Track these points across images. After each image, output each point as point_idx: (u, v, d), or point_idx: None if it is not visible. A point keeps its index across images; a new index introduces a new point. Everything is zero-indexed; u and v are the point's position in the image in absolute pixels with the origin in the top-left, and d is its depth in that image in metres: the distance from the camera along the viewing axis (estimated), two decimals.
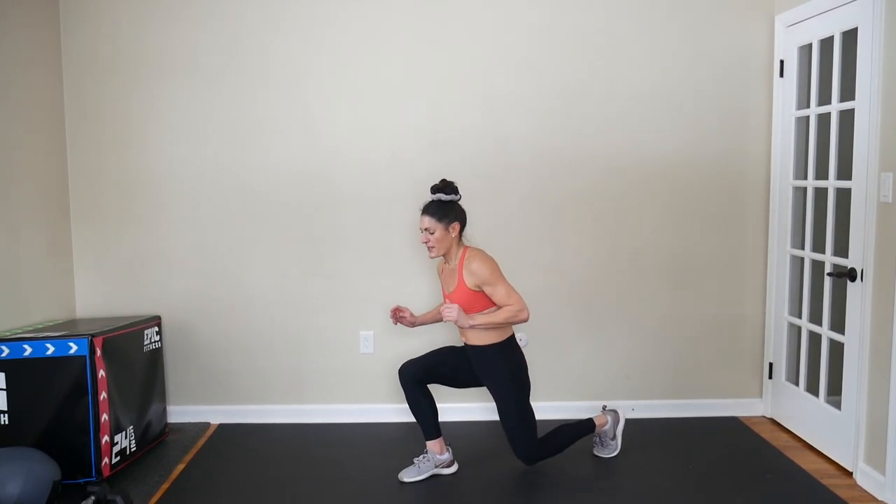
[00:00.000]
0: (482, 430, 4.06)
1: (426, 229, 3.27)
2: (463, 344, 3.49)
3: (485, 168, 4.12)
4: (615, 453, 3.68)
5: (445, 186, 3.32)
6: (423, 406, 3.44)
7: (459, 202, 3.37)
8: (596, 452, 3.70)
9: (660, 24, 4.10)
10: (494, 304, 3.28)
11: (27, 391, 3.30)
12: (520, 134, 4.12)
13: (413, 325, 3.54)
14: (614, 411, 3.73)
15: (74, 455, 3.33)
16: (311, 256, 4.17)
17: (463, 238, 3.38)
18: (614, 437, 3.68)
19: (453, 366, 3.48)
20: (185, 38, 4.06)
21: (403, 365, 3.47)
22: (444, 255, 3.36)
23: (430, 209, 3.29)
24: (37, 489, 2.98)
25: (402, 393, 4.21)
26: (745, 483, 3.38)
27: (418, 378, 3.42)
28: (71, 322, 3.83)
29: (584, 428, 3.57)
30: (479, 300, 3.28)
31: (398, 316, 3.50)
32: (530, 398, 3.44)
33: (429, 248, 3.31)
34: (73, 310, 4.15)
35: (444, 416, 4.16)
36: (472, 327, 3.22)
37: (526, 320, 3.25)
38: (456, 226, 3.30)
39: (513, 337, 3.42)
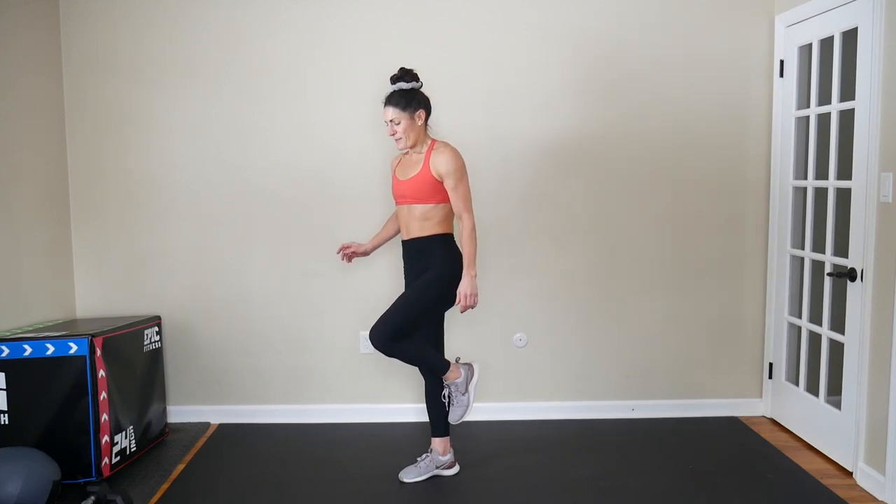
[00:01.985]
0: (482, 430, 4.06)
1: (391, 121, 3.18)
2: (405, 242, 3.36)
3: (485, 167, 4.12)
4: (466, 412, 3.35)
5: (405, 74, 3.21)
6: (438, 401, 3.43)
7: (421, 89, 3.27)
8: (450, 419, 3.38)
9: (660, 23, 4.10)
10: (441, 196, 3.21)
11: (27, 391, 3.30)
12: (520, 133, 4.12)
13: (367, 253, 3.56)
14: (469, 365, 3.43)
15: (74, 455, 3.33)
16: (311, 256, 4.17)
17: (429, 128, 3.30)
18: (466, 392, 3.36)
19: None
20: (185, 37, 4.06)
21: (371, 328, 3.29)
22: (412, 147, 3.26)
23: (393, 99, 3.18)
24: (37, 489, 2.98)
25: (402, 393, 4.23)
26: (745, 483, 3.38)
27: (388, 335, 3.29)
28: (71, 322, 3.83)
29: (438, 361, 3.32)
30: (438, 189, 3.20)
31: (348, 253, 3.52)
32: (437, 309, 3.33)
33: (396, 139, 3.22)
34: (73, 310, 4.15)
35: None
36: (474, 273, 3.20)
37: (473, 224, 3.22)
38: (421, 113, 3.21)
39: (452, 235, 3.32)
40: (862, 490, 3.31)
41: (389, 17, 4.07)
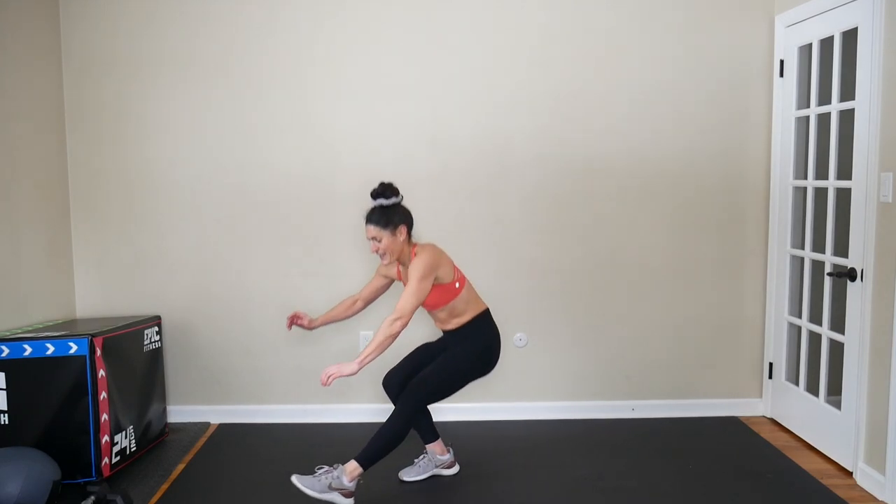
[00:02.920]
0: (482, 431, 4.06)
1: (373, 238, 3.16)
2: (441, 334, 3.43)
3: (485, 168, 4.12)
4: (306, 490, 3.06)
5: (385, 190, 3.18)
6: (422, 417, 3.44)
7: (402, 203, 3.24)
8: (301, 480, 3.08)
9: (660, 24, 4.10)
10: (452, 293, 3.21)
11: (27, 391, 3.30)
12: (520, 134, 4.12)
13: (310, 328, 3.47)
14: (353, 495, 3.13)
15: (74, 455, 3.33)
16: (311, 256, 4.17)
17: (412, 237, 3.28)
18: (325, 490, 3.07)
19: (433, 360, 3.41)
20: (185, 37, 4.06)
21: (386, 376, 3.43)
22: (397, 261, 3.27)
23: (374, 217, 3.15)
24: (37, 489, 2.98)
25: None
26: (745, 483, 3.38)
27: (404, 385, 3.36)
28: (71, 322, 3.83)
29: (379, 454, 3.15)
30: (438, 291, 3.20)
31: (295, 321, 3.45)
32: (479, 377, 3.31)
33: (380, 255, 3.20)
34: (73, 310, 4.15)
35: (444, 416, 4.17)
36: (360, 367, 3.01)
37: (398, 332, 3.04)
38: (402, 229, 3.17)
39: (487, 312, 3.35)
40: (862, 490, 3.31)
41: (389, 16, 4.07)
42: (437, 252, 3.21)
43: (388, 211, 3.16)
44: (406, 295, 3.08)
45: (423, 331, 4.07)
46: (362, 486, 3.22)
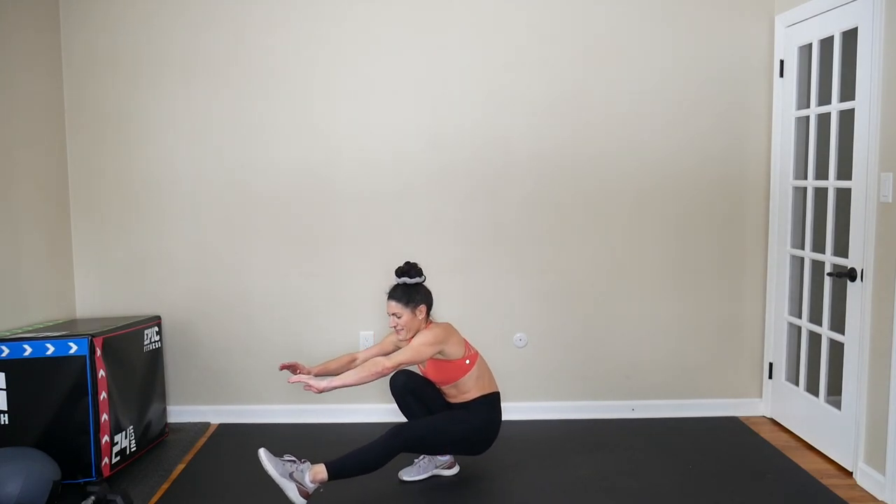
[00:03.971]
0: None
1: (394, 314, 3.27)
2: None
3: (485, 168, 4.12)
4: (272, 471, 3.03)
5: (410, 269, 3.30)
6: (416, 412, 3.44)
7: (424, 283, 3.34)
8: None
9: (660, 24, 4.10)
10: (461, 370, 3.28)
11: (27, 391, 3.30)
12: (520, 134, 4.12)
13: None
14: (308, 496, 3.06)
15: (74, 455, 3.32)
16: (311, 256, 4.17)
17: (431, 317, 3.37)
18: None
19: (438, 396, 3.45)
20: (186, 37, 4.06)
21: (394, 375, 3.45)
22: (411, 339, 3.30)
23: (396, 294, 3.27)
24: (37, 489, 2.98)
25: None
26: (745, 483, 3.38)
27: (410, 388, 3.40)
28: (71, 322, 3.83)
29: (345, 470, 3.11)
30: (452, 367, 3.28)
31: (293, 370, 3.37)
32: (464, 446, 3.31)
33: (397, 331, 3.30)
34: (73, 310, 4.15)
35: None
36: (328, 390, 3.01)
37: (379, 375, 3.06)
38: (423, 308, 3.29)
39: (496, 396, 3.38)
40: (862, 490, 3.31)
41: (389, 17, 4.07)
42: (448, 328, 3.31)
43: (411, 290, 3.28)
44: (405, 349, 3.19)
45: None
46: (321, 493, 3.17)
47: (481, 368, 3.37)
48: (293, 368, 3.40)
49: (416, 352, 3.18)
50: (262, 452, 3.03)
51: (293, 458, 3.10)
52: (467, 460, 3.63)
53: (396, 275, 3.32)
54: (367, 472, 3.15)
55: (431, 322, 3.36)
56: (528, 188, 4.15)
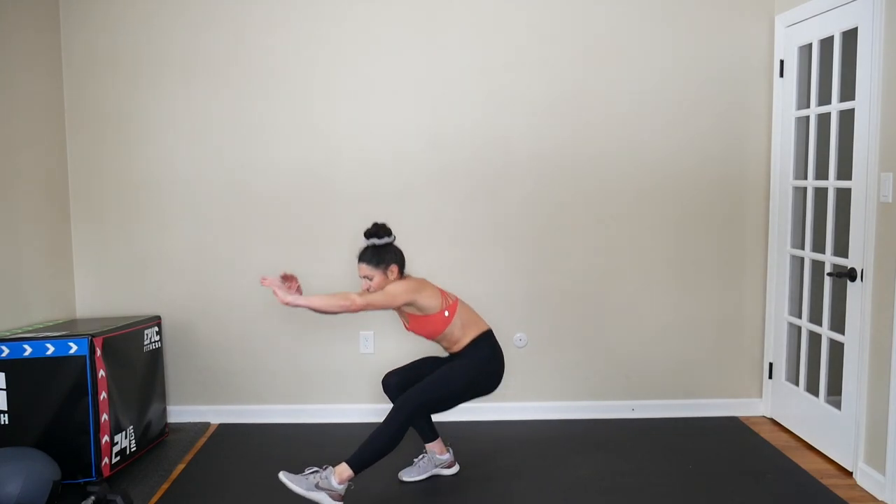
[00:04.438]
0: (482, 431, 4.06)
1: (365, 276, 3.25)
2: (447, 355, 3.46)
3: (485, 168, 4.12)
4: (294, 487, 3.06)
5: (378, 230, 3.28)
6: (422, 417, 3.44)
7: (394, 243, 3.32)
8: (289, 478, 3.10)
9: (660, 24, 4.10)
10: (442, 322, 3.27)
11: (27, 391, 3.30)
12: (520, 134, 4.12)
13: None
14: (341, 496, 3.11)
15: (74, 455, 3.33)
16: (310, 256, 4.17)
17: (404, 275, 3.34)
18: (313, 489, 3.06)
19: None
20: (186, 37, 4.06)
21: (386, 375, 3.45)
22: None
23: (366, 256, 3.25)
24: (37, 489, 2.98)
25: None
26: (745, 483, 3.38)
27: (403, 386, 3.38)
28: (71, 322, 3.83)
29: (363, 461, 3.14)
30: (433, 320, 3.27)
31: (284, 281, 3.28)
32: (467, 395, 3.29)
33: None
34: (73, 310, 4.15)
35: (444, 416, 4.16)
36: (292, 305, 3.06)
37: (343, 308, 3.08)
38: (394, 268, 3.26)
39: (489, 333, 3.36)
40: (862, 490, 3.31)
41: (389, 17, 4.07)
42: (421, 281, 3.29)
43: (381, 250, 3.25)
44: (378, 293, 3.18)
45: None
46: (352, 489, 3.20)
47: (464, 316, 3.32)
48: (284, 280, 3.31)
49: (389, 296, 3.16)
50: (283, 475, 3.07)
51: (314, 469, 3.13)
52: (467, 460, 3.63)
53: (365, 237, 3.28)
54: (388, 453, 3.17)
55: (404, 278, 3.32)
56: (528, 188, 4.15)
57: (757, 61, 4.12)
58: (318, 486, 3.05)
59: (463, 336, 3.32)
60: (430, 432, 3.49)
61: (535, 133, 4.12)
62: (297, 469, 3.34)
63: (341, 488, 3.07)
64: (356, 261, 3.33)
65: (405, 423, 3.15)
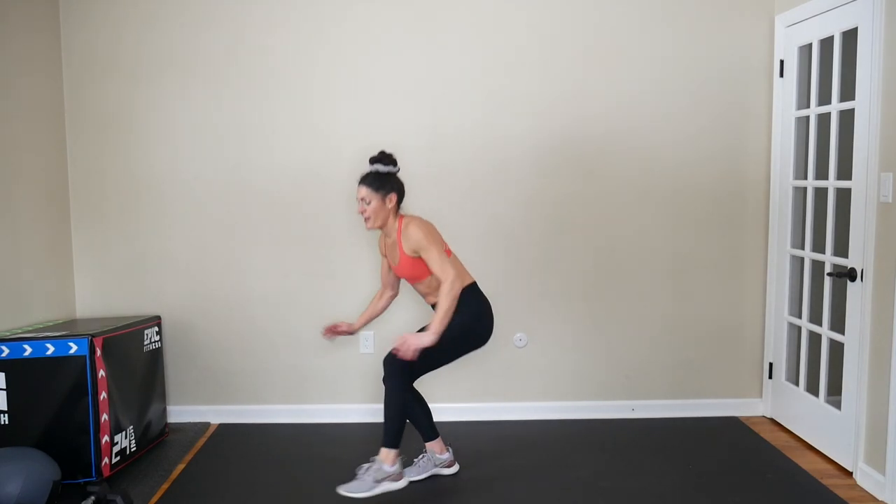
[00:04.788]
0: (482, 430, 4.06)
1: (362, 199, 3.22)
2: (432, 308, 3.41)
3: (485, 167, 4.12)
4: (358, 495, 3.13)
5: (384, 157, 3.26)
6: (415, 410, 3.43)
7: (398, 174, 3.31)
8: (342, 489, 3.14)
9: (659, 24, 4.10)
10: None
11: (27, 391, 3.30)
12: (520, 134, 4.12)
13: (353, 331, 3.48)
14: (401, 473, 3.24)
15: (74, 455, 3.33)
16: (311, 256, 4.17)
17: (401, 209, 3.32)
18: (377, 481, 3.15)
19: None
20: (186, 38, 4.06)
21: (386, 357, 3.34)
22: (381, 228, 3.29)
23: (368, 179, 3.23)
24: (37, 489, 2.98)
25: None
26: (745, 483, 3.38)
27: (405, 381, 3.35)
28: (71, 322, 3.83)
29: (394, 434, 3.21)
30: (423, 267, 3.23)
31: (336, 331, 3.45)
32: (469, 350, 3.30)
33: (365, 218, 3.25)
34: (73, 310, 4.15)
35: (442, 416, 4.17)
36: (434, 338, 3.07)
37: (458, 292, 3.13)
38: (393, 196, 3.24)
39: (474, 285, 3.33)
40: (862, 490, 3.31)
41: (389, 17, 4.07)
42: (430, 224, 3.26)
43: (383, 177, 3.24)
44: (435, 267, 3.15)
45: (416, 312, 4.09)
46: (405, 460, 3.35)
47: (454, 263, 3.31)
48: (334, 329, 3.45)
49: (439, 255, 3.15)
50: (343, 489, 3.12)
51: (363, 467, 3.22)
52: (467, 460, 3.63)
53: (370, 162, 3.26)
54: (408, 414, 3.31)
55: (402, 216, 3.28)
56: (527, 188, 4.15)
57: (757, 61, 4.13)
58: (377, 481, 3.16)
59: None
60: (431, 431, 3.49)
61: (534, 133, 4.12)
62: (302, 468, 3.34)
63: (395, 469, 3.20)
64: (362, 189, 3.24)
65: (402, 387, 3.18)
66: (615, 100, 4.12)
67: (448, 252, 3.30)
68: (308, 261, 4.18)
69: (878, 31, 3.21)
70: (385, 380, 3.22)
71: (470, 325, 3.28)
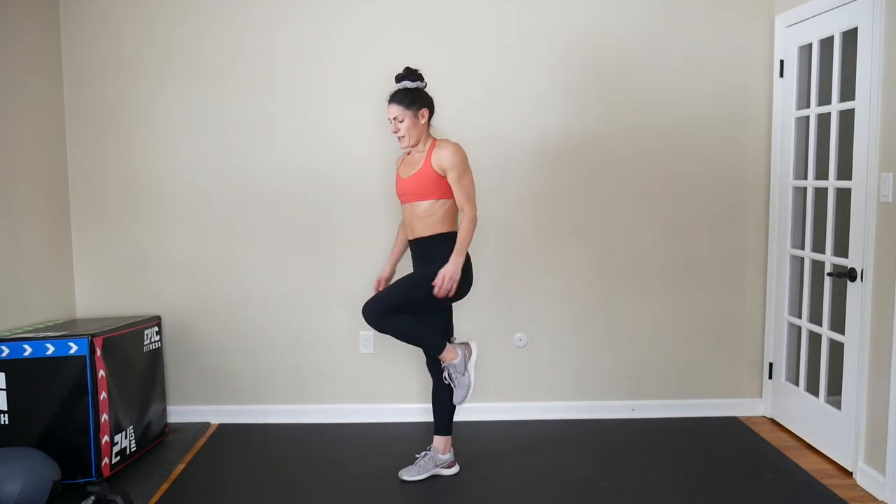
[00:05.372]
0: (482, 430, 4.06)
1: (395, 118, 3.20)
2: (411, 242, 3.37)
3: (485, 167, 4.12)
4: (468, 393, 3.33)
5: (410, 73, 3.23)
6: (445, 399, 3.44)
7: (425, 89, 3.29)
8: (455, 401, 3.37)
9: (659, 23, 4.10)
10: (446, 192, 3.22)
11: (27, 391, 3.30)
12: (520, 134, 4.12)
13: (391, 277, 3.55)
14: (465, 344, 3.40)
15: (74, 455, 3.33)
16: (311, 256, 4.17)
17: (432, 128, 3.32)
18: (464, 372, 3.34)
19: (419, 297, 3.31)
20: (186, 37, 4.06)
21: (366, 312, 3.27)
22: (414, 147, 3.27)
23: (398, 97, 3.21)
24: (37, 489, 2.98)
25: (402, 393, 4.23)
26: (745, 483, 3.38)
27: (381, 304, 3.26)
28: (71, 322, 3.83)
29: (432, 340, 3.27)
30: (440, 184, 3.21)
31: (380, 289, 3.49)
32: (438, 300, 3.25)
33: (399, 137, 3.22)
34: (73, 310, 4.15)
35: None
36: (461, 258, 3.16)
37: (476, 219, 3.23)
38: (425, 112, 3.23)
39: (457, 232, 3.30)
40: (862, 490, 3.31)
41: (392, 16, 4.07)
42: (460, 147, 3.24)
43: (412, 93, 3.23)
44: (463, 194, 3.19)
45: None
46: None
47: (454, 208, 3.29)
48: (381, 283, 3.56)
49: (468, 183, 3.20)
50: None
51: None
52: (467, 460, 3.63)
53: (396, 80, 3.24)
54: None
55: (435, 140, 3.26)
56: (527, 188, 4.15)
57: (757, 61, 4.12)
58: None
59: (441, 221, 3.25)
60: (446, 426, 3.47)
61: (534, 133, 4.12)
62: (302, 468, 3.34)
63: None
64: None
65: (406, 323, 3.21)
66: (614, 100, 4.12)
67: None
68: (308, 261, 4.18)
69: (878, 31, 3.21)
70: (381, 328, 3.19)
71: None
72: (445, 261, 3.22)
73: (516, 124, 4.12)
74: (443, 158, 3.19)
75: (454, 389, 3.37)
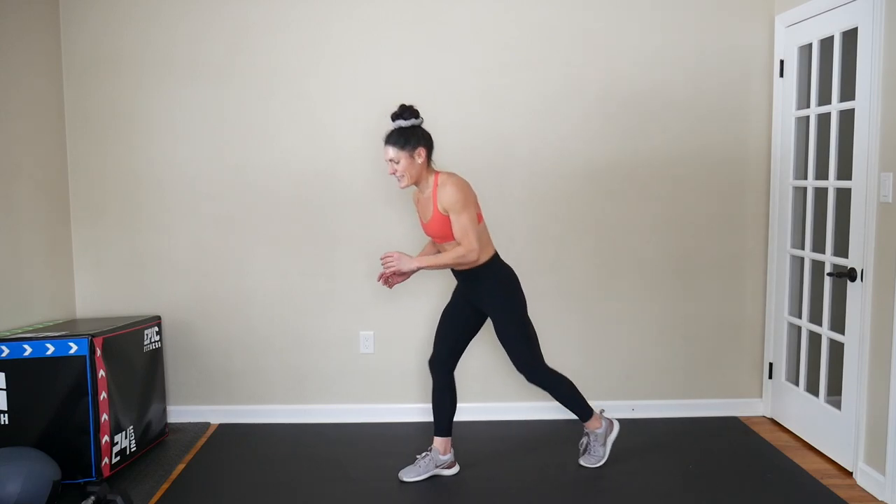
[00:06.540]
0: (482, 430, 4.06)
1: (391, 160, 3.15)
2: (458, 283, 3.43)
3: (484, 168, 4.12)
4: (600, 463, 3.55)
5: (404, 111, 3.16)
6: (445, 400, 3.44)
7: (422, 126, 3.23)
8: (581, 462, 3.57)
9: (660, 23, 4.10)
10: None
11: (27, 391, 3.30)
12: (520, 134, 4.12)
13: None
14: (610, 421, 3.60)
15: (74, 455, 3.33)
16: (311, 256, 4.17)
17: (432, 163, 3.26)
18: (603, 444, 3.56)
19: (462, 319, 3.41)
20: (187, 37, 4.06)
21: (431, 359, 3.45)
22: (416, 185, 3.25)
23: (392, 138, 3.15)
24: (37, 489, 2.98)
25: (402, 393, 4.23)
26: (745, 483, 3.38)
27: (449, 366, 3.41)
28: (71, 322, 3.83)
29: (581, 407, 3.46)
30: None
31: (388, 277, 3.35)
32: (527, 313, 3.37)
33: (398, 178, 3.20)
34: (73, 310, 4.15)
35: None
36: (417, 269, 3.16)
37: (472, 263, 3.19)
38: (421, 151, 3.16)
39: (496, 255, 3.33)
40: (862, 490, 3.31)
41: (393, 17, 4.07)
42: (466, 184, 3.19)
43: (407, 132, 3.16)
44: (459, 233, 3.14)
45: (432, 300, 4.10)
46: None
47: (485, 231, 3.30)
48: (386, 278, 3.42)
49: (468, 222, 3.13)
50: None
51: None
52: (467, 460, 3.63)
53: (391, 119, 3.18)
54: (575, 399, 3.48)
55: (438, 173, 3.21)
56: (527, 188, 4.15)
57: (757, 61, 4.12)
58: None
59: (480, 251, 3.24)
60: (447, 427, 3.47)
61: (534, 133, 4.12)
62: (302, 468, 3.34)
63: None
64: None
65: (561, 386, 3.39)
66: (615, 99, 4.12)
67: (480, 217, 3.25)
68: (308, 261, 4.18)
69: (878, 31, 3.21)
70: (532, 378, 3.36)
71: (506, 284, 3.31)
72: (492, 287, 3.28)
73: (515, 124, 4.12)
74: (444, 201, 3.15)
75: (585, 455, 3.57)
